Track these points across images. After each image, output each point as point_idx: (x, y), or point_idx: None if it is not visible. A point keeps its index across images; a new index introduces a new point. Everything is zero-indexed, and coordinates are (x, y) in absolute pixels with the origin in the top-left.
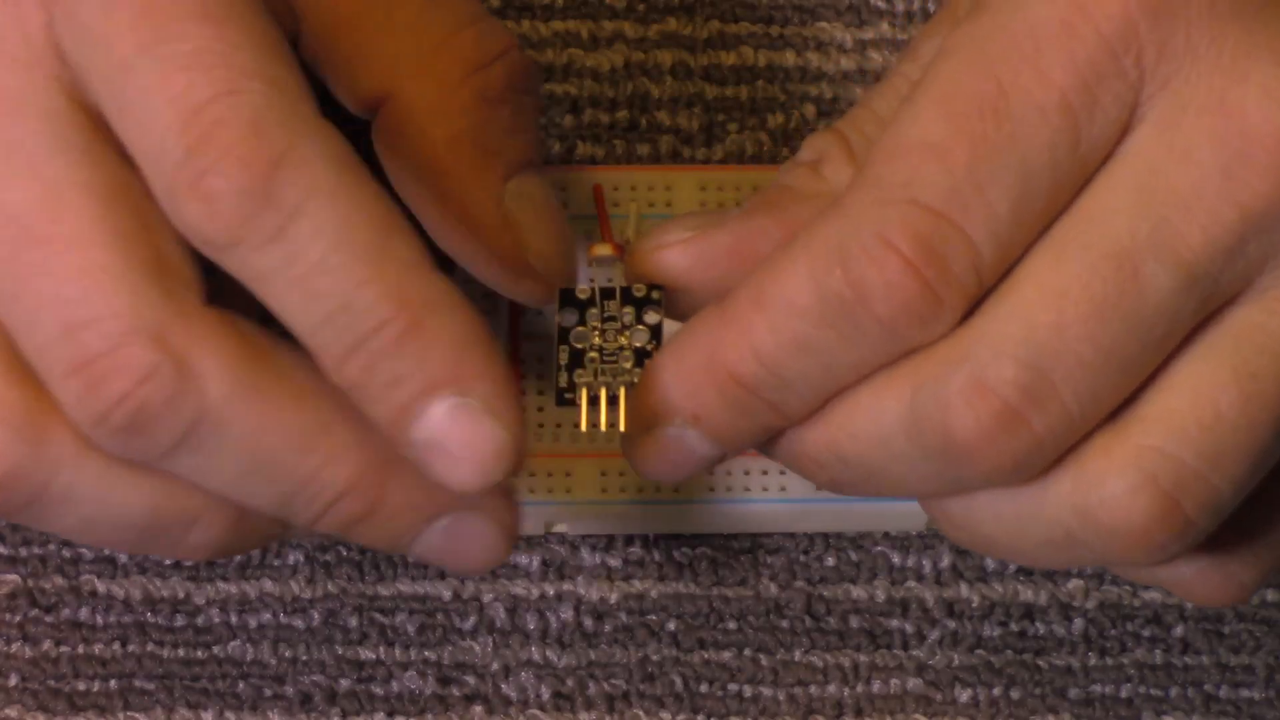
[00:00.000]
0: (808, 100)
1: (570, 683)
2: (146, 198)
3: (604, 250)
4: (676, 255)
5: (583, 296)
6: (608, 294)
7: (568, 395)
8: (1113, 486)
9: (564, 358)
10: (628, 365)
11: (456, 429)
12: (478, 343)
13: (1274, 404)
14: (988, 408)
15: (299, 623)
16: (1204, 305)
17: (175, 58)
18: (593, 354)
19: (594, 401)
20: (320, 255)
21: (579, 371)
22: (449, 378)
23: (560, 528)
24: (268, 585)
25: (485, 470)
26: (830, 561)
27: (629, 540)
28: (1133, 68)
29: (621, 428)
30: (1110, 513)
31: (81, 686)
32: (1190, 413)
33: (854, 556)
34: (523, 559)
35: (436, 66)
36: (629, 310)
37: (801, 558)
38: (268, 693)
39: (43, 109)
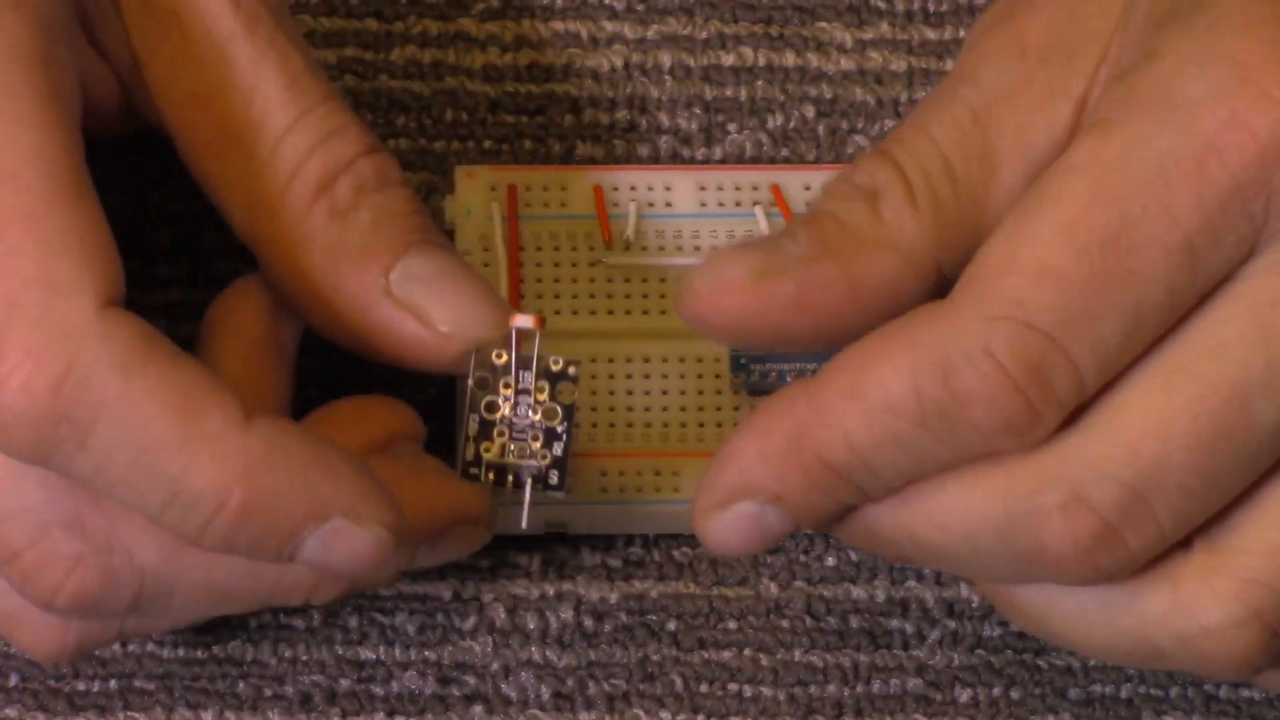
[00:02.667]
0: (808, 100)
1: (570, 683)
2: None
3: (525, 321)
4: (739, 302)
5: (499, 362)
6: (524, 363)
7: (473, 470)
8: (1214, 617)
9: (472, 428)
10: (536, 445)
11: (331, 552)
12: (317, 464)
13: None
14: (1086, 525)
15: (299, 623)
16: None
17: None
18: (501, 428)
19: (500, 481)
20: (130, 458)
21: (485, 443)
22: (303, 518)
23: (559, 528)
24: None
25: (373, 566)
26: (830, 561)
27: (629, 540)
28: (1260, 210)
29: (523, 523)
30: (1213, 643)
31: (81, 686)
32: None
33: (854, 556)
34: (523, 559)
35: (288, 201)
36: (543, 385)
37: (801, 558)
38: (268, 693)
39: None
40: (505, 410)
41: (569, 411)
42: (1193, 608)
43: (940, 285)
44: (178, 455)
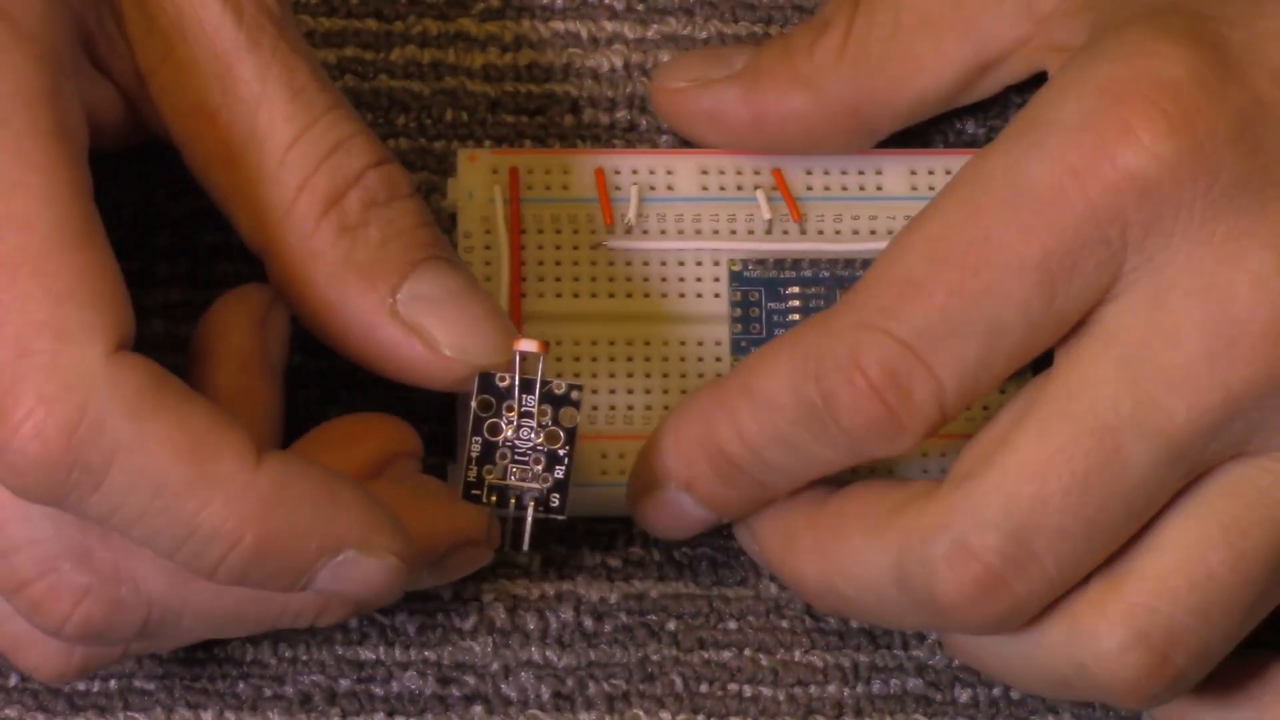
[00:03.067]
0: None
1: (570, 683)
2: None
3: (529, 345)
4: (663, 101)
5: (502, 385)
6: (526, 387)
7: (474, 492)
8: (1105, 643)
9: (475, 450)
10: (538, 468)
11: (343, 582)
12: (328, 499)
13: (1263, 557)
14: (970, 573)
15: None
16: (1189, 474)
17: None
18: (504, 451)
19: (503, 503)
20: (144, 500)
21: (488, 466)
22: (315, 552)
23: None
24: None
25: (384, 594)
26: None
27: (629, 540)
28: (1117, 238)
29: (524, 545)
30: (1104, 668)
31: (81, 686)
32: (1180, 571)
33: None
34: (523, 559)
35: (295, 215)
36: (546, 409)
37: None
38: (268, 693)
39: None
40: (508, 433)
41: (571, 435)
42: (1086, 635)
43: (864, 133)
44: (191, 498)
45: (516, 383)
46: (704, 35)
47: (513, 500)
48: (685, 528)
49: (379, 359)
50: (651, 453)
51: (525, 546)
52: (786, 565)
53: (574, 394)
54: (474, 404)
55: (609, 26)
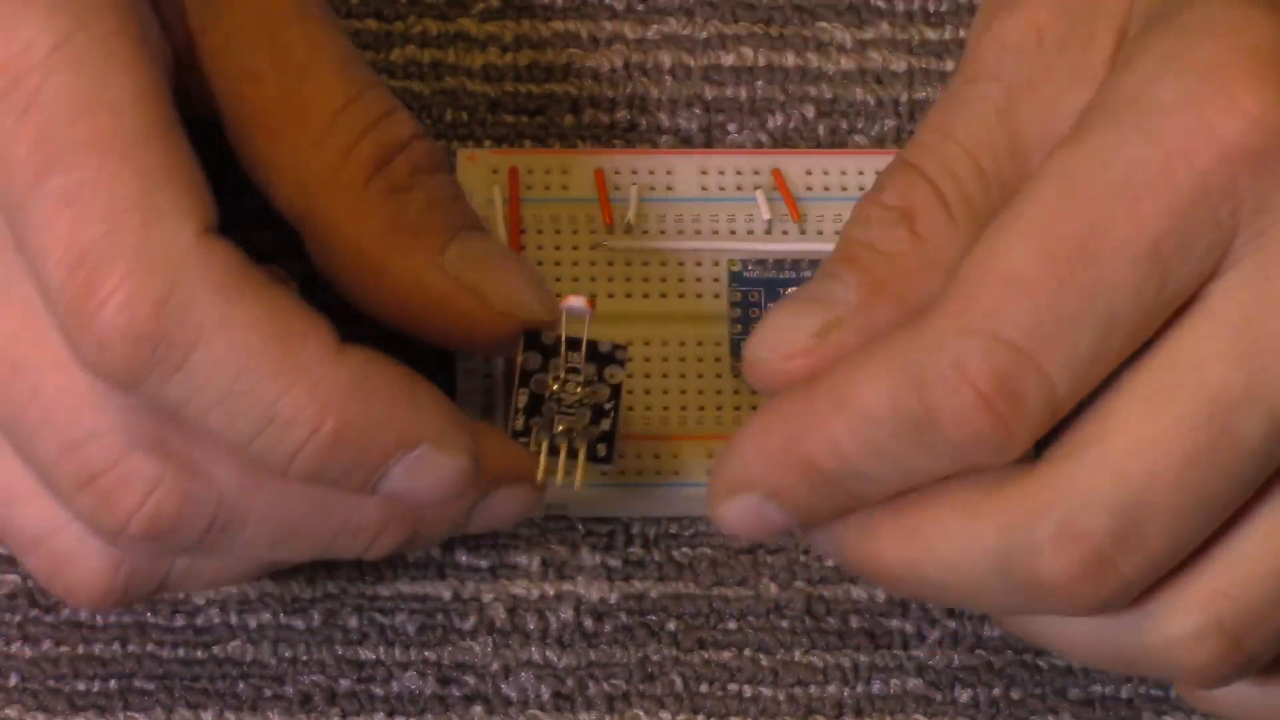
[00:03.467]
0: (808, 100)
1: (570, 683)
2: None
3: (577, 302)
4: (807, 366)
5: (547, 342)
6: (573, 345)
7: (522, 440)
8: (1179, 627)
9: (522, 400)
10: (584, 422)
11: (416, 479)
12: (406, 394)
13: None
14: (1079, 554)
15: (299, 623)
16: None
17: (61, 192)
18: (550, 402)
19: (552, 450)
20: (227, 383)
21: (535, 418)
22: (393, 445)
23: (560, 512)
24: (268, 585)
25: (454, 493)
26: (830, 561)
27: (629, 540)
28: (1229, 217)
29: (576, 484)
30: (1175, 653)
31: (81, 686)
32: (1259, 560)
33: None
34: (523, 559)
35: (343, 176)
36: (592, 367)
37: (801, 558)
38: (268, 693)
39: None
40: (554, 387)
41: (617, 391)
42: (1160, 618)
43: None
44: (274, 381)
45: (563, 340)
46: (704, 35)
47: (562, 446)
48: (766, 533)
49: (428, 316)
50: (734, 459)
51: (578, 485)
52: (865, 553)
53: (619, 353)
54: (520, 359)
55: (609, 26)
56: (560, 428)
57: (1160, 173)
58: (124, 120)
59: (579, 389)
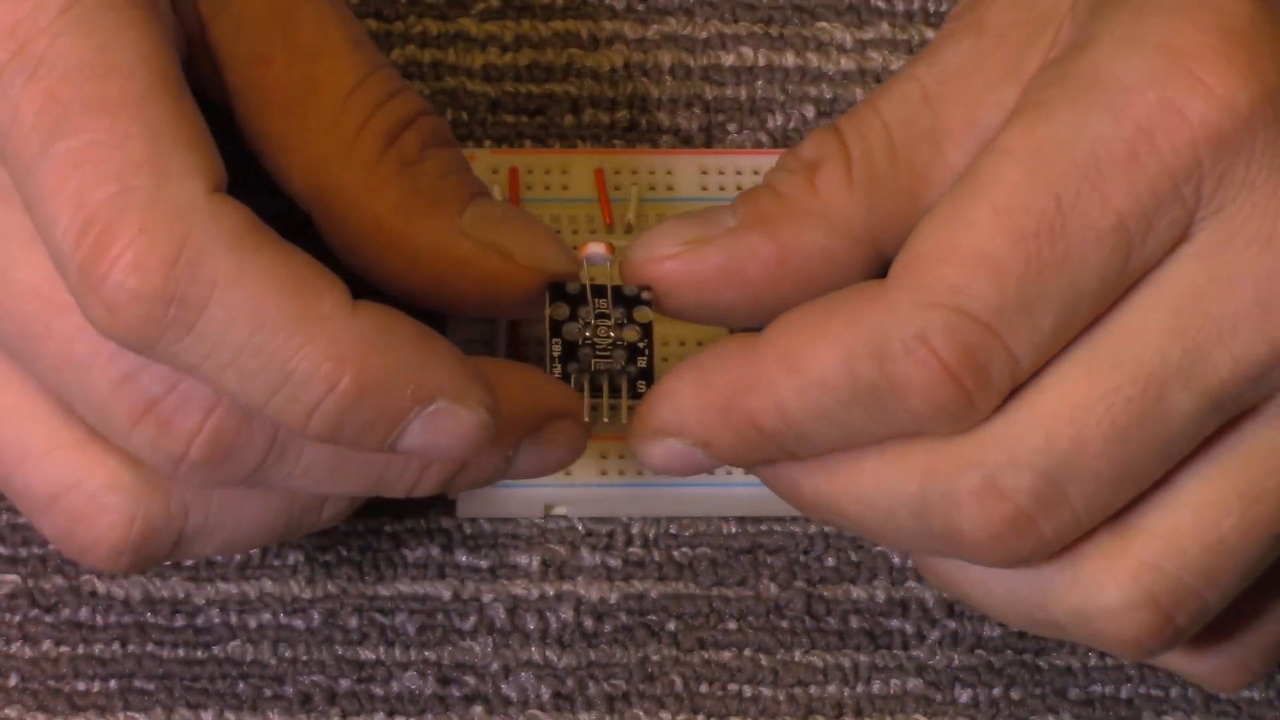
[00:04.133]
0: (808, 100)
1: (570, 683)
2: None
3: (597, 249)
4: (667, 270)
5: (573, 291)
6: (598, 291)
7: None
8: (1112, 598)
9: (557, 349)
10: (621, 362)
11: (434, 434)
12: (422, 347)
13: (1274, 524)
14: (999, 512)
15: (299, 623)
16: (1220, 422)
17: (69, 154)
18: (585, 348)
19: (595, 389)
20: (242, 339)
21: (572, 364)
22: (410, 400)
23: (560, 510)
24: (268, 585)
25: (473, 448)
26: (830, 561)
27: (629, 540)
28: (1191, 195)
29: (623, 419)
30: (1106, 621)
31: (81, 686)
32: (1193, 533)
33: (854, 556)
34: (523, 559)
35: (357, 152)
36: (619, 310)
37: (801, 558)
38: (268, 693)
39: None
40: (586, 334)
41: (648, 329)
42: (1091, 587)
43: (880, 260)
44: (291, 336)
45: (588, 287)
46: (704, 35)
47: (605, 382)
48: (692, 472)
49: (455, 279)
50: (664, 404)
51: (625, 419)
52: (779, 479)
53: (645, 294)
54: (548, 310)
55: (609, 26)
56: (598, 368)
57: (1126, 151)
58: (133, 81)
59: (610, 332)
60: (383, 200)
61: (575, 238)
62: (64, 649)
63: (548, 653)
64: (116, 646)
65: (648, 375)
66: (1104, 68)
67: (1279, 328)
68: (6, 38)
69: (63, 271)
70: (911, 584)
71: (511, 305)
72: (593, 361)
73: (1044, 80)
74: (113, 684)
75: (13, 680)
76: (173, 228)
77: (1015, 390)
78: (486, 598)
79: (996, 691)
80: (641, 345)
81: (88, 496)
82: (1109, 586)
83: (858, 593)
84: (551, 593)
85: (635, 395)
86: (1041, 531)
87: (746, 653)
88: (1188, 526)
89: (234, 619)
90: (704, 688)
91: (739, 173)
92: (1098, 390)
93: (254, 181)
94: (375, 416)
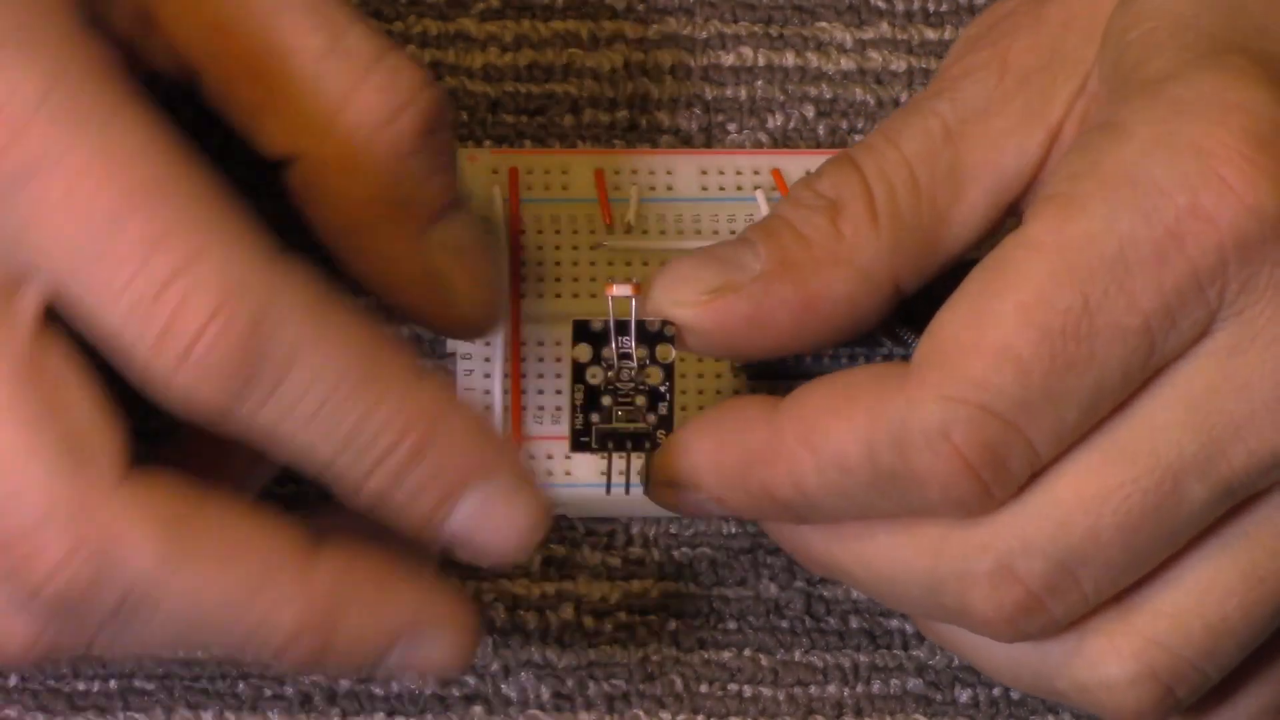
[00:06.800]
0: (808, 100)
1: (570, 683)
2: (62, 371)
3: (623, 290)
4: (693, 318)
5: (596, 329)
6: (621, 328)
7: (583, 439)
8: (1114, 672)
9: (579, 397)
10: (641, 406)
11: (488, 518)
12: (485, 429)
13: (1274, 602)
14: (1011, 596)
15: None
16: (1228, 508)
17: (124, 239)
18: (606, 398)
19: (619, 447)
20: (320, 399)
21: (594, 414)
22: (471, 473)
23: (560, 510)
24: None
25: (524, 543)
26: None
27: (629, 540)
28: (1215, 297)
29: (646, 492)
30: (1108, 695)
31: (81, 686)
32: (1197, 613)
33: None
34: (523, 560)
35: (342, 124)
36: (643, 348)
37: None
38: (268, 693)
39: None
40: (609, 375)
41: (669, 370)
42: (1095, 661)
43: (898, 297)
44: (364, 396)
45: (613, 326)
46: (704, 35)
47: (627, 444)
48: (700, 516)
49: (396, 291)
50: (682, 459)
51: (646, 491)
52: (788, 535)
53: (668, 329)
54: (572, 353)
55: (609, 26)
56: (619, 421)
57: (1155, 252)
58: (144, 165)
59: (632, 375)
60: (358, 188)
61: (575, 238)
62: None
63: (548, 652)
64: None
65: (669, 424)
66: (1137, 165)
67: None
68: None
69: (131, 353)
70: None
71: (443, 332)
72: (613, 410)
73: (1072, 169)
74: (113, 684)
75: (13, 680)
76: (253, 289)
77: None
78: (486, 598)
79: (996, 691)
80: (664, 390)
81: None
82: (1112, 662)
83: (858, 593)
84: (551, 593)
85: (654, 446)
86: (1051, 613)
87: (746, 653)
88: (1192, 606)
89: None
90: (704, 688)
91: (739, 173)
92: (1114, 481)
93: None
94: (432, 478)
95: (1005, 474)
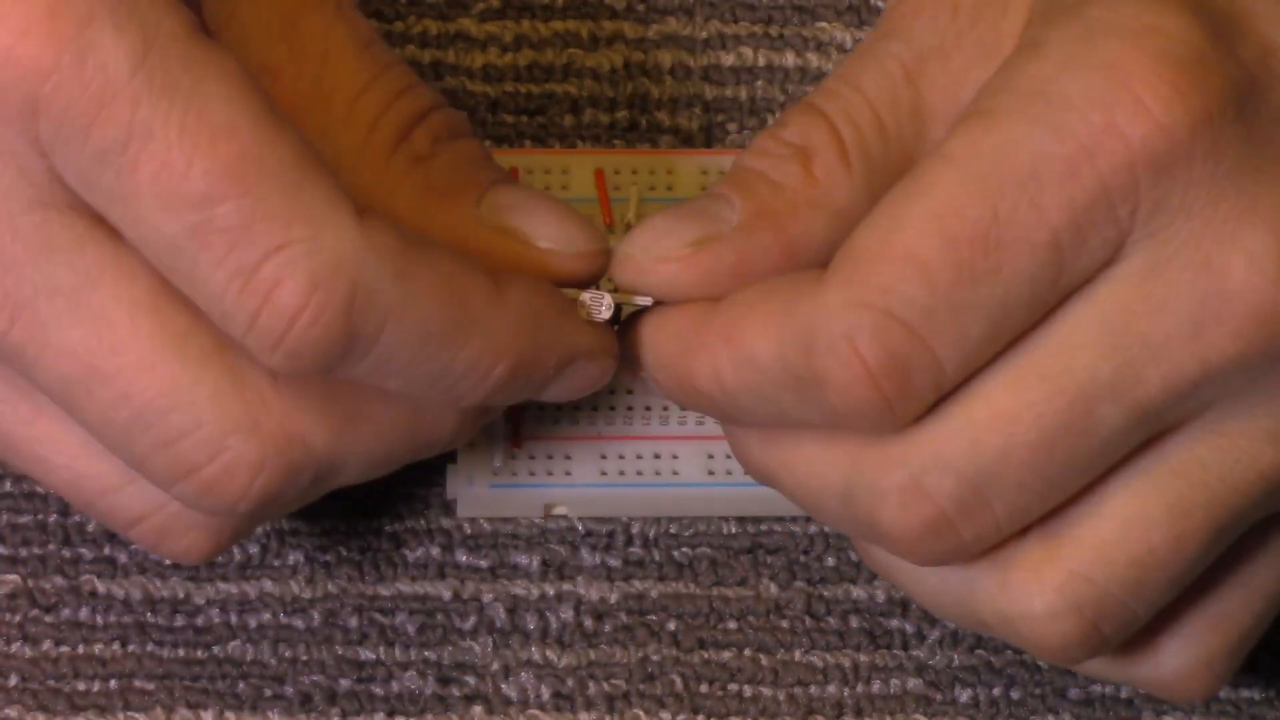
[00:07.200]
0: None
1: (570, 683)
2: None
3: (644, 301)
4: (678, 271)
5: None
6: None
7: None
8: (1037, 604)
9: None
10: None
11: (569, 385)
12: (562, 318)
13: (1201, 539)
14: (919, 513)
15: (299, 623)
16: (1146, 436)
17: (215, 224)
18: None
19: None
20: (410, 354)
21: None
22: (553, 367)
23: (560, 510)
24: (268, 585)
25: (596, 388)
26: (830, 561)
27: (629, 540)
28: (1126, 216)
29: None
30: (1032, 628)
31: (81, 686)
32: (1121, 545)
33: (854, 556)
34: (523, 559)
35: (369, 153)
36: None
37: (801, 558)
38: (268, 693)
39: (68, 243)
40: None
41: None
42: (1019, 593)
43: None
44: (451, 343)
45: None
46: (704, 35)
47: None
48: (660, 396)
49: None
50: (634, 336)
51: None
52: (732, 434)
53: (643, 302)
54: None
55: (609, 26)
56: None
57: (1066, 168)
58: (240, 137)
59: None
60: (398, 199)
61: None
62: (64, 649)
63: (548, 653)
64: (116, 646)
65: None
66: (1052, 82)
67: (1209, 349)
68: (91, 103)
69: (230, 329)
70: None
71: (564, 278)
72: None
73: (992, 87)
74: (113, 684)
75: (13, 680)
76: (342, 273)
77: (946, 396)
78: (486, 598)
79: (996, 691)
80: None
81: (172, 516)
82: (1035, 594)
83: (858, 593)
84: (551, 593)
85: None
86: (960, 535)
87: (746, 653)
88: (1116, 538)
89: (234, 619)
90: (704, 688)
91: None
92: (1025, 400)
93: None
94: (523, 388)
95: (907, 385)
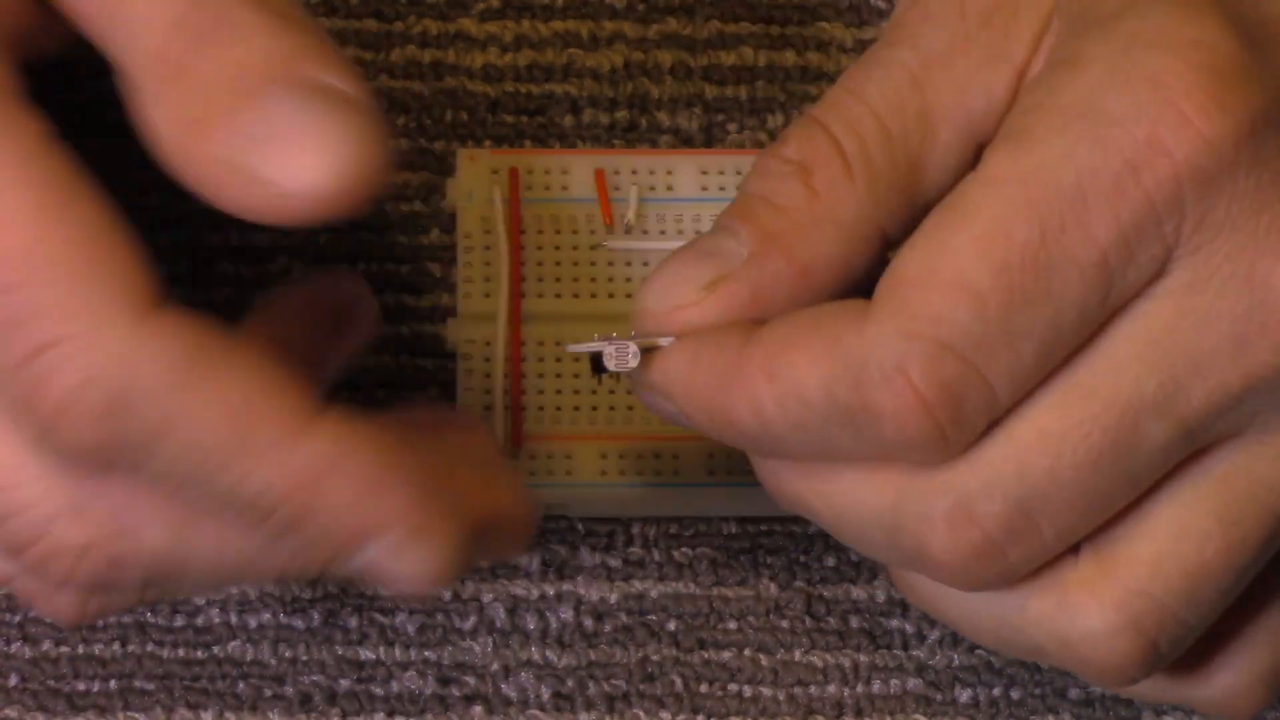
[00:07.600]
0: (808, 100)
1: (570, 683)
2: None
3: (665, 342)
4: (696, 316)
5: (610, 369)
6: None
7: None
8: (1096, 624)
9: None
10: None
11: (388, 566)
12: (378, 475)
13: (1253, 547)
14: (968, 537)
15: (299, 623)
16: (1191, 449)
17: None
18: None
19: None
20: (189, 471)
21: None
22: (360, 534)
23: (560, 510)
24: (268, 585)
25: (438, 580)
26: (830, 561)
27: (629, 540)
28: (1172, 232)
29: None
30: (1090, 648)
31: (81, 686)
32: (1175, 558)
33: (854, 556)
34: (523, 559)
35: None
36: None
37: (801, 558)
38: (268, 693)
39: None
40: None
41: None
42: (1076, 613)
43: (889, 248)
44: (238, 465)
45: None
46: (704, 35)
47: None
48: (681, 426)
49: (210, 188)
50: (656, 367)
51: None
52: (767, 472)
53: (664, 343)
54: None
55: (609, 26)
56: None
57: (1112, 185)
58: (17, 227)
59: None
60: (161, 105)
61: (576, 238)
62: (64, 649)
63: (548, 653)
64: (116, 646)
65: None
66: (1093, 98)
67: (1253, 362)
68: None
69: (23, 422)
70: None
71: (282, 224)
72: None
73: (1029, 103)
74: (113, 684)
75: (13, 680)
76: (113, 375)
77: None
78: (486, 598)
79: (996, 691)
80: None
81: (35, 582)
82: (1094, 613)
83: (858, 593)
84: (551, 593)
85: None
86: (1009, 558)
87: (746, 653)
88: (1170, 551)
89: (234, 619)
90: (704, 688)
91: (739, 173)
92: (1072, 420)
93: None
94: (319, 540)
95: (961, 414)
